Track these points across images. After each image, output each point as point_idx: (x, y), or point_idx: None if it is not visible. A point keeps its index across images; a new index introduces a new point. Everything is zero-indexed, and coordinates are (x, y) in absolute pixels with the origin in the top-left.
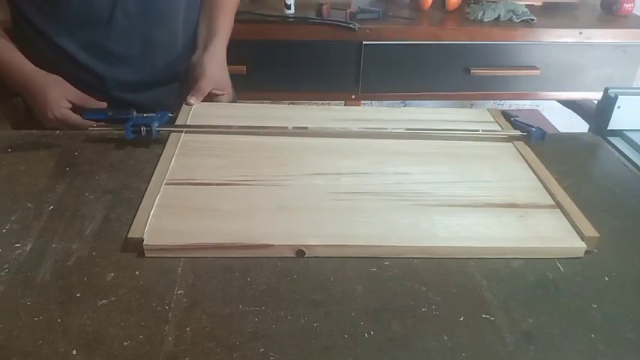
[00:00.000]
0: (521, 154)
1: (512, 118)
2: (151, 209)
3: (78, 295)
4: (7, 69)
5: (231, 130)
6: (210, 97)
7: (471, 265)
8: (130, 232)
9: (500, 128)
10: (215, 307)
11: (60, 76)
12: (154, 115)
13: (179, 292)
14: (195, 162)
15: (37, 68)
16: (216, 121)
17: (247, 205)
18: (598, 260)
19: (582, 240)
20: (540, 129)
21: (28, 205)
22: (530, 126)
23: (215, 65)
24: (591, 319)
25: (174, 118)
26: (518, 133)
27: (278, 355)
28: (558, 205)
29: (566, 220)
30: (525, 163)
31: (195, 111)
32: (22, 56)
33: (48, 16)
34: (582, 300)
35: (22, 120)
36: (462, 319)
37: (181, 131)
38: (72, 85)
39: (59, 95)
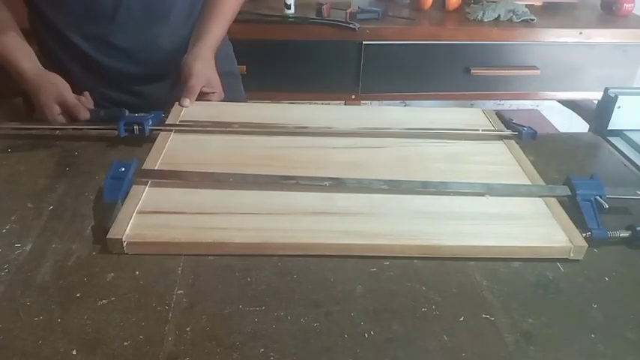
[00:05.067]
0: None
1: (508, 119)
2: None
3: (78, 295)
4: (7, 66)
5: (225, 129)
6: (201, 97)
7: (470, 265)
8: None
9: (494, 129)
10: (215, 307)
11: (69, 68)
12: (147, 115)
13: (179, 292)
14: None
15: (36, 67)
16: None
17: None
18: (598, 260)
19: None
20: (531, 128)
21: (28, 205)
22: (522, 126)
23: (201, 64)
24: (591, 319)
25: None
26: (509, 132)
27: (278, 355)
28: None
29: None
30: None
31: (188, 111)
32: (26, 53)
33: (58, 10)
34: (582, 300)
35: (22, 120)
36: (462, 319)
37: (171, 130)
38: (75, 79)
39: (49, 100)
